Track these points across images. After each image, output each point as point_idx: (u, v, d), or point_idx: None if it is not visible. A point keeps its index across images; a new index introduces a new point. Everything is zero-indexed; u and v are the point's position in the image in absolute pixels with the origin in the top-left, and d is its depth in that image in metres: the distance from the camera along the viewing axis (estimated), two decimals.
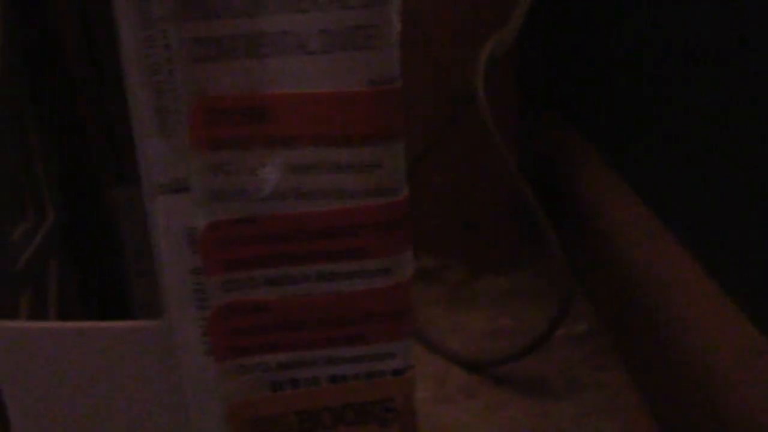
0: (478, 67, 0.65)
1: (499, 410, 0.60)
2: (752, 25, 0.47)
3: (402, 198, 0.24)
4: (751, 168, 0.48)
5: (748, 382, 0.44)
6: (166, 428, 0.23)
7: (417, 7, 0.73)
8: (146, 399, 0.22)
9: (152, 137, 0.23)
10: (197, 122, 0.23)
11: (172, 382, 0.22)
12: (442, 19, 0.73)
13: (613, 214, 0.68)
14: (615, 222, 0.67)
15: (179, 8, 0.22)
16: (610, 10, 0.75)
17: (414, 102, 0.74)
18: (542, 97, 0.97)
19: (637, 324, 0.60)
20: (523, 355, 0.63)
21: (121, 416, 0.22)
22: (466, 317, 0.73)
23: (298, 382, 0.24)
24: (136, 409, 0.22)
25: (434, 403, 0.61)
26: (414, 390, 0.25)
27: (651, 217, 0.63)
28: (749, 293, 0.50)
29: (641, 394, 0.59)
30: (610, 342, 0.67)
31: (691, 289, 0.54)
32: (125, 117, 0.24)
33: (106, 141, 0.35)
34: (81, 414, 0.22)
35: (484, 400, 0.61)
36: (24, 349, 0.22)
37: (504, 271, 0.79)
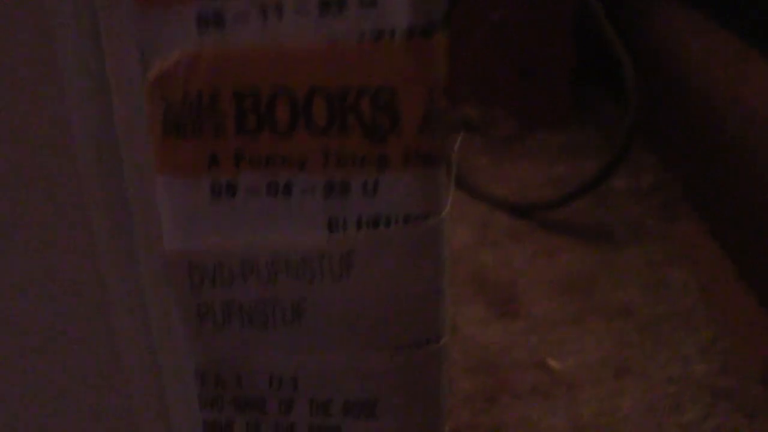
0: None
1: (551, 255, 0.52)
2: None
3: None
4: None
5: None
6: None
7: None
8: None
9: None
10: None
11: None
12: None
13: (691, 45, 0.59)
14: (693, 52, 0.58)
15: None
16: None
17: None
18: None
19: (717, 162, 0.51)
20: (576, 196, 0.55)
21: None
22: (516, 167, 0.65)
23: None
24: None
25: (478, 247, 0.54)
26: None
27: (735, 43, 0.54)
28: None
29: (720, 244, 0.51)
30: (679, 195, 0.58)
31: None
32: None
33: None
34: None
35: (534, 245, 0.54)
36: None
37: (561, 126, 0.71)
